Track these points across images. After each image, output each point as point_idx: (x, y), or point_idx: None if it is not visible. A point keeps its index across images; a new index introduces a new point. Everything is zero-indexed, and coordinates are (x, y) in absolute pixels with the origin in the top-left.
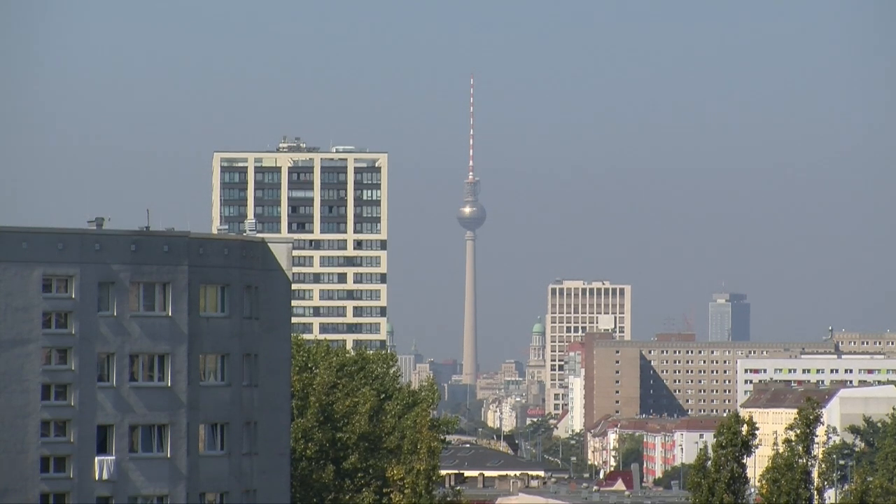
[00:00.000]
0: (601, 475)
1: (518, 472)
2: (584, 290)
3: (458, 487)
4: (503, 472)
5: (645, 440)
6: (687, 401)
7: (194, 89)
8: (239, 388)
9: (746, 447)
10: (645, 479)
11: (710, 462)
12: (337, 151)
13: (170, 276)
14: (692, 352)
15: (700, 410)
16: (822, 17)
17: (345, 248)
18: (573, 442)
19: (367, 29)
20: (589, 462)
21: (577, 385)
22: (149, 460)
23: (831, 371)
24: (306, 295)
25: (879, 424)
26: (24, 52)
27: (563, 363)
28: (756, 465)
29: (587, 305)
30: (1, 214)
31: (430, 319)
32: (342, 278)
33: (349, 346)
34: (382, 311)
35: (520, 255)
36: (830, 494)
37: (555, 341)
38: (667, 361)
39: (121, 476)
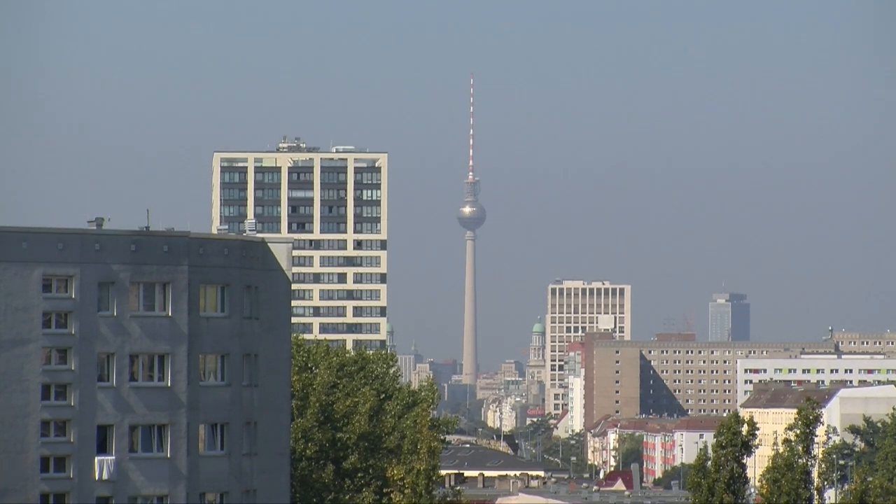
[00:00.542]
0: (601, 475)
1: (518, 472)
2: (584, 290)
3: (458, 487)
4: (503, 472)
5: (645, 440)
6: (687, 401)
7: (194, 89)
8: (239, 388)
9: (746, 447)
10: (645, 479)
11: (710, 462)
12: (337, 151)
13: (170, 276)
14: (692, 352)
15: (700, 410)
16: (822, 17)
17: (345, 248)
18: (573, 442)
19: (367, 29)
20: (589, 462)
21: (577, 385)
22: (149, 460)
23: (831, 371)
24: (306, 295)
25: (879, 424)
26: (24, 52)
27: (563, 363)
28: (756, 465)
29: (587, 305)
30: (1, 214)
31: (430, 319)
32: (342, 278)
33: (349, 346)
34: (382, 311)
35: (520, 255)
36: (830, 494)
37: (555, 341)
38: (667, 361)
39: (121, 476)
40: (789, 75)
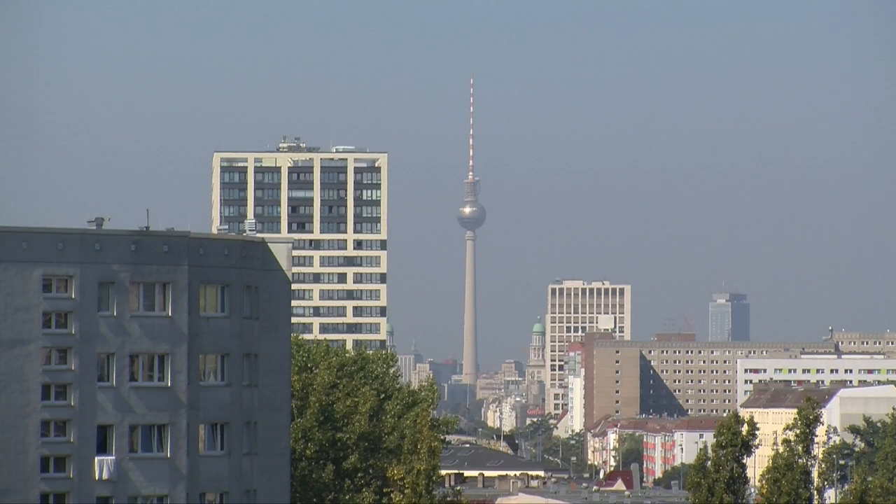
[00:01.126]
0: (601, 475)
1: (518, 472)
2: (584, 290)
3: (458, 487)
4: (503, 472)
5: (645, 440)
6: (687, 401)
7: (194, 89)
8: (239, 388)
9: (746, 447)
10: (645, 479)
11: (709, 462)
12: (337, 151)
13: (170, 276)
14: (692, 352)
15: (700, 410)
16: (822, 17)
17: (345, 248)
18: (573, 442)
19: (367, 29)
20: (589, 462)
21: (577, 385)
22: (149, 460)
23: (831, 371)
24: (306, 295)
25: (879, 424)
26: (25, 52)
27: (563, 363)
28: (756, 465)
29: (587, 305)
30: (1, 214)
31: (430, 319)
32: (342, 278)
33: (349, 346)
34: (382, 311)
35: (520, 255)
36: (830, 494)
37: (555, 341)
38: (667, 361)
39: (121, 476)
40: (789, 75)
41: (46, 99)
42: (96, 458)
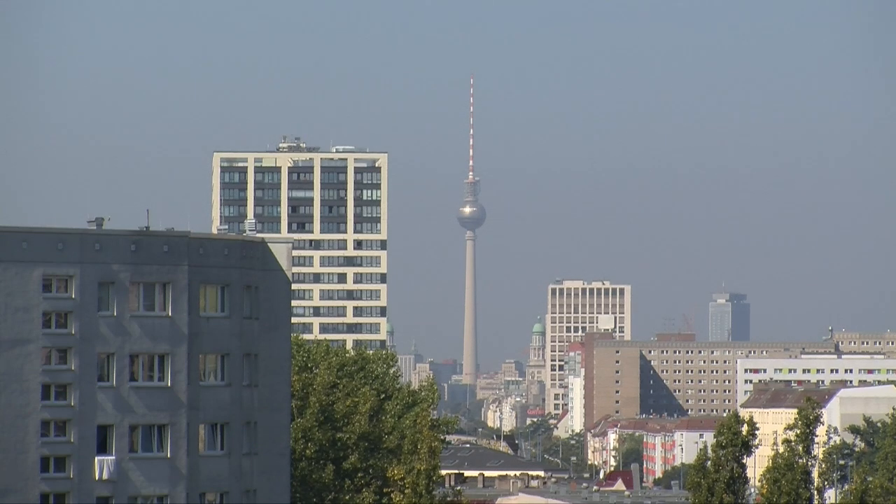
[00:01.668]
0: (601, 475)
1: (518, 472)
2: (584, 290)
3: (458, 487)
4: (503, 472)
5: (645, 440)
6: (687, 401)
7: (194, 89)
8: (239, 388)
9: (746, 447)
10: (645, 479)
11: (709, 462)
12: (337, 151)
13: (170, 276)
14: (692, 352)
15: (700, 410)
16: (822, 17)
17: (345, 248)
18: (573, 442)
19: (367, 29)
20: (589, 462)
21: (577, 385)
22: (149, 460)
23: (831, 371)
24: (306, 295)
25: (879, 424)
26: (24, 52)
27: (563, 363)
28: (756, 465)
29: (587, 305)
30: (1, 214)
31: (430, 319)
32: (342, 278)
33: (349, 346)
34: (382, 311)
35: (520, 255)
36: (830, 494)
37: (555, 341)
38: (667, 361)
39: (121, 476)
40: (789, 75)
41: (46, 99)
42: (96, 458)
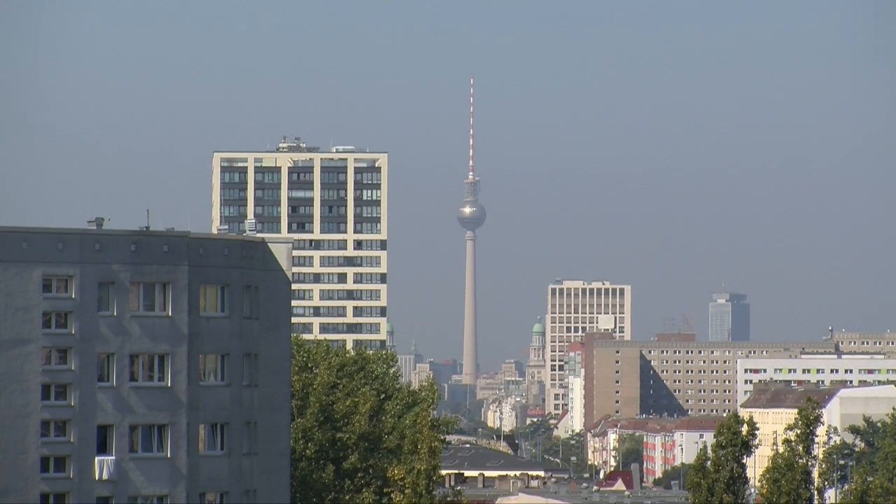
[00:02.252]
0: (601, 475)
1: (518, 472)
2: (584, 290)
3: (458, 487)
4: (503, 472)
5: (645, 440)
6: (687, 401)
7: (194, 89)
8: (239, 388)
9: (746, 447)
10: (645, 479)
11: (709, 462)
12: (337, 151)
13: (170, 276)
14: (692, 352)
15: (700, 410)
16: (822, 17)
17: (345, 248)
18: (573, 442)
19: (367, 29)
20: (589, 462)
21: (577, 385)
22: (149, 460)
23: (831, 371)
24: (306, 295)
25: (879, 424)
26: (24, 52)
27: (563, 363)
28: (756, 465)
29: (587, 305)
30: (1, 214)
31: (430, 319)
32: (342, 278)
33: (349, 346)
34: (382, 311)
35: (520, 255)
36: (830, 494)
37: (555, 341)
38: (667, 361)
39: (121, 476)
40: (789, 76)
41: (46, 99)
42: (96, 458)
